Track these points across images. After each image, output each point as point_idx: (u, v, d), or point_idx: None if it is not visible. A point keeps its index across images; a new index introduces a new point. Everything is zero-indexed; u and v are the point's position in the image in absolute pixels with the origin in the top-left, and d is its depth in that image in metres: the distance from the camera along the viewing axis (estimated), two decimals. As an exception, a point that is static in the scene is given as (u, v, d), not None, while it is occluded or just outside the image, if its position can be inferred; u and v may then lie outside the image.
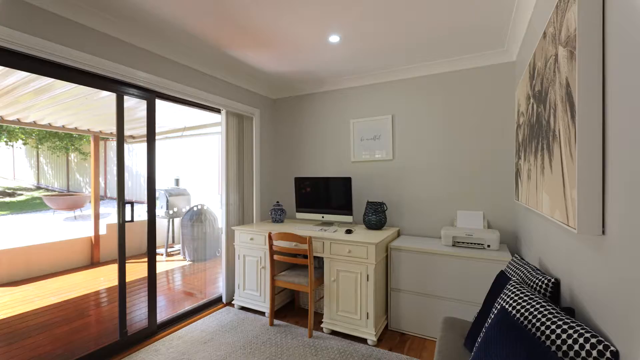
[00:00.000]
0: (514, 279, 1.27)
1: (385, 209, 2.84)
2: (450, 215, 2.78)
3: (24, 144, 8.68)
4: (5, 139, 7.44)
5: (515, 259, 1.67)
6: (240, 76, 3.11)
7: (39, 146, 9.03)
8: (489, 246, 2.33)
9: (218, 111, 3.07)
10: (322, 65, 2.84)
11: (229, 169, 3.10)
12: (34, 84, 2.69)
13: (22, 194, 9.34)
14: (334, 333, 2.47)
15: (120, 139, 2.24)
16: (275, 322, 2.67)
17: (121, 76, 2.13)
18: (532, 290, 1.27)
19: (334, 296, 2.46)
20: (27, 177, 10.57)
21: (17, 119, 3.89)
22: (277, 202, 3.32)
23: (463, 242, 2.42)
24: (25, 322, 2.75)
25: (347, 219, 2.92)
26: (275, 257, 2.61)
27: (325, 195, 3.06)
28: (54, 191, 9.64)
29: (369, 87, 3.14)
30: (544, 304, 1.02)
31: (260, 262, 2.82)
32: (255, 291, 2.85)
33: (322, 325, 2.50)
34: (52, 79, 2.24)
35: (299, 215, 3.21)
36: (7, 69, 2.29)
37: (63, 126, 4.50)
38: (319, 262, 2.87)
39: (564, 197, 1.00)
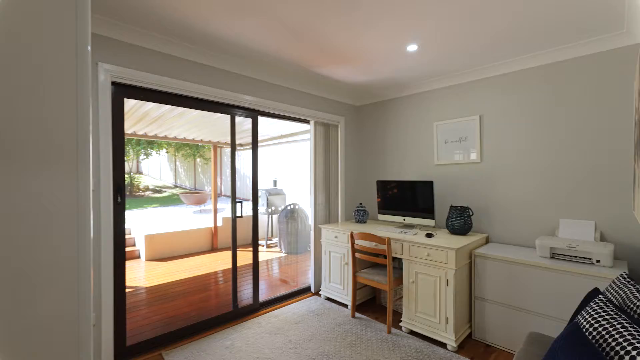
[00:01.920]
0: (601, 296, 1.18)
1: (470, 214, 2.73)
2: (550, 223, 2.49)
3: (167, 152, 11.18)
4: (156, 149, 9.80)
5: (621, 277, 1.48)
6: (325, 88, 3.43)
7: (176, 154, 11.45)
8: (598, 261, 2.04)
9: (308, 121, 3.46)
10: (402, 72, 2.91)
11: (316, 173, 3.46)
12: (175, 111, 3.57)
13: (165, 191, 11.99)
14: (412, 333, 2.54)
15: (233, 150, 2.81)
16: (357, 315, 2.88)
17: (232, 101, 2.68)
18: (629, 311, 1.15)
19: (412, 297, 2.52)
20: (168, 178, 13.47)
21: (165, 135, 5.14)
22: (360, 203, 3.53)
23: (564, 255, 2.17)
24: (170, 288, 3.67)
25: (429, 222, 2.92)
26: (357, 255, 2.82)
27: (406, 198, 3.11)
28: (186, 189, 12.05)
29: (454, 88, 3.05)
30: (626, 324, 0.96)
31: (343, 259, 3.08)
32: (339, 284, 3.12)
33: (400, 324, 2.60)
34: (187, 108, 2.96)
35: (381, 216, 3.34)
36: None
37: (193, 139, 5.70)
38: (400, 263, 2.95)
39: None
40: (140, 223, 6.08)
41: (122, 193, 2.14)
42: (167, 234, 5.22)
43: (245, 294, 3.39)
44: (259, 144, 2.92)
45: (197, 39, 2.24)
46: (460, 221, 2.69)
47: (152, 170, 14.52)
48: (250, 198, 3.04)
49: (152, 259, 5.01)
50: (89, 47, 0.72)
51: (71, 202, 0.61)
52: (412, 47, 2.37)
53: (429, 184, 2.89)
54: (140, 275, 4.24)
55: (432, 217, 2.90)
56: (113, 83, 2.07)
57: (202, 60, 2.47)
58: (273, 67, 2.82)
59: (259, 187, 6.52)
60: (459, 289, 2.35)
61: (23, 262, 0.56)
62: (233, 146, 2.81)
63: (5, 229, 0.54)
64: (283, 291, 3.40)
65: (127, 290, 3.55)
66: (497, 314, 2.33)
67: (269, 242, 6.13)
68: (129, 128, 4.55)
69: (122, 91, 2.13)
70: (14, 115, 0.58)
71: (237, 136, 5.29)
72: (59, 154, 0.62)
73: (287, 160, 6.81)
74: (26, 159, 0.58)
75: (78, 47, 0.68)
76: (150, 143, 9.55)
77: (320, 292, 3.34)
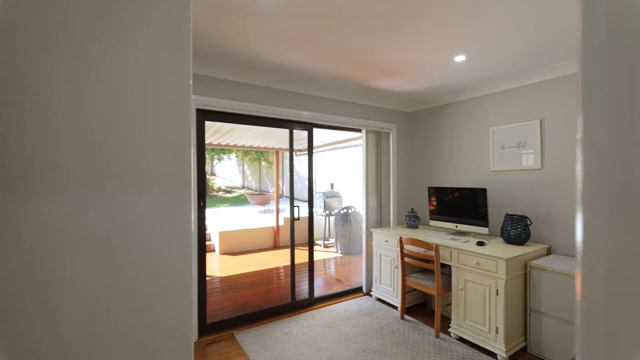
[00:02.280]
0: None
1: (528, 223, 2.63)
2: (624, 236, 2.27)
3: (236, 156, 12.39)
4: (227, 154, 10.99)
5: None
6: (376, 98, 3.58)
7: (244, 158, 12.59)
8: (678, 281, 1.83)
9: (360, 130, 3.65)
10: (453, 79, 2.92)
11: (368, 178, 3.63)
12: (243, 126, 4.08)
13: (234, 192, 13.25)
14: (460, 340, 2.56)
15: (291, 160, 3.16)
16: (406, 317, 2.98)
17: (291, 117, 3.02)
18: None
19: (461, 304, 2.55)
20: (237, 179, 14.82)
21: (235, 144, 5.82)
22: (412, 209, 3.59)
23: (635, 271, 1.99)
24: (240, 280, 4.20)
25: (483, 230, 2.87)
26: (406, 259, 2.92)
27: (459, 204, 3.10)
28: (252, 190, 13.15)
29: (511, 92, 2.94)
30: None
31: (393, 262, 3.20)
32: (389, 287, 3.25)
33: (449, 330, 2.63)
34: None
35: (433, 222, 3.37)
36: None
37: (258, 146, 6.31)
38: (450, 269, 2.96)
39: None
40: (215, 221, 6.94)
41: (203, 198, 2.62)
42: (237, 231, 5.89)
43: (303, 289, 3.72)
44: (315, 150, 3.23)
45: (261, 67, 2.62)
46: (516, 230, 2.61)
47: (224, 172, 16.14)
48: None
49: (224, 253, 5.72)
50: (191, 82, 1.01)
51: (181, 210, 0.93)
52: (459, 58, 2.41)
53: (483, 191, 2.85)
54: (215, 266, 4.90)
55: (486, 225, 2.85)
56: (197, 110, 2.55)
57: (264, 84, 2.85)
58: (326, 84, 3.09)
59: (317, 189, 6.89)
60: (511, 299, 2.31)
61: (156, 257, 0.88)
62: (291, 157, 3.16)
63: (146, 234, 0.87)
64: (337, 289, 3.66)
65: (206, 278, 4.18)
66: (555, 328, 2.23)
67: (326, 242, 6.45)
68: (205, 139, 5.28)
69: (203, 115, 2.61)
70: (152, 152, 0.90)
71: (296, 143, 5.70)
72: (174, 177, 0.94)
73: (343, 164, 7.05)
74: (158, 182, 0.90)
75: (184, 85, 0.98)
76: (222, 149, 10.74)
77: (371, 293, 3.51)
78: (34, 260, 0.65)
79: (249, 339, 2.56)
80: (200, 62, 2.48)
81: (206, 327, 2.64)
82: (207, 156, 11.23)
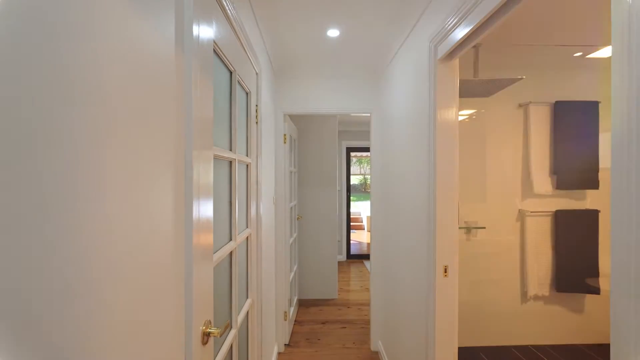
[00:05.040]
0: None
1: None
2: None
3: (387, 160, 14.89)
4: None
5: None
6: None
7: (394, 161, 14.85)
8: None
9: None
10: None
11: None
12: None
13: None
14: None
15: (398, 171, 5.35)
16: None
17: (397, 146, 5.20)
18: None
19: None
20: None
21: (377, 156, 8.33)
22: None
23: None
24: (375, 244, 6.65)
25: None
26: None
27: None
28: (401, 188, 15.20)
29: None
30: None
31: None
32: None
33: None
34: (379, 148, 5.76)
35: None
36: (368, 145, 6.13)
37: (395, 156, 8.53)
38: None
39: None
40: (366, 209, 9.69)
41: (349, 192, 5.23)
42: (379, 217, 8.35)
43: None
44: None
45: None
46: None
47: (381, 172, 18.84)
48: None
49: (369, 230, 8.31)
50: (337, 132, 3.61)
51: (333, 199, 3.59)
52: (490, 110, 3.90)
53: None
54: (363, 238, 7.56)
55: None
56: (346, 148, 5.19)
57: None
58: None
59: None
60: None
61: (330, 210, 3.56)
62: (399, 169, 5.33)
63: (317, 211, 3.58)
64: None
65: (352, 241, 6.90)
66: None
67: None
68: (358, 152, 8.00)
69: (348, 150, 5.23)
70: (323, 171, 3.59)
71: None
72: (330, 181, 3.59)
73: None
74: (328, 184, 3.58)
75: (337, 138, 3.58)
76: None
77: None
78: (304, 205, 3.46)
79: (367, 262, 4.98)
80: (344, 125, 5.08)
81: (350, 256, 5.27)
82: (364, 161, 14.26)
